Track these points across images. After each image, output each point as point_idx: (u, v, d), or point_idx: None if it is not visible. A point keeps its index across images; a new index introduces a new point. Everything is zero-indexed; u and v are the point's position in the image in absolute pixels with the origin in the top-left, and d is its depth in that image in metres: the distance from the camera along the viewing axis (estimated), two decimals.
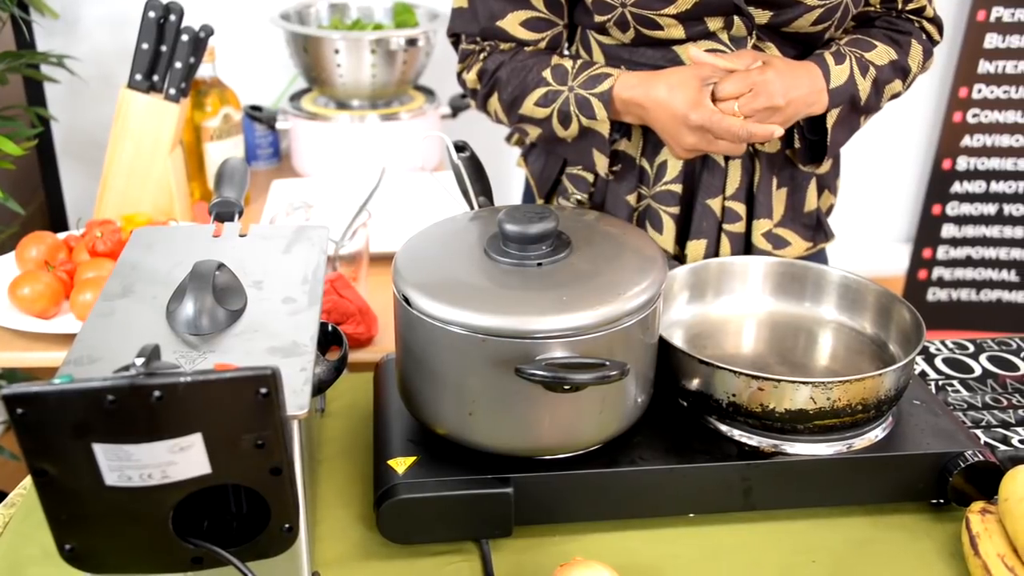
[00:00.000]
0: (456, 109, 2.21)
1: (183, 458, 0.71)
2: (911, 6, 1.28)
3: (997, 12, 2.60)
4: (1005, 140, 2.75)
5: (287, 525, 0.78)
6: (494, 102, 1.29)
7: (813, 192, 1.34)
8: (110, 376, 0.68)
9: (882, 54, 1.24)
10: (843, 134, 1.27)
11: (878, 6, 1.29)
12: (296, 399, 0.78)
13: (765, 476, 0.97)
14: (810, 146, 1.29)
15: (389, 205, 1.80)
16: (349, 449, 1.08)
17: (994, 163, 2.78)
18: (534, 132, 1.28)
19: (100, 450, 0.70)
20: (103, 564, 0.77)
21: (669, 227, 1.30)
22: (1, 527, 0.97)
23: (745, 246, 1.32)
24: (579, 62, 1.24)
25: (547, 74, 1.23)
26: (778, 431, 0.97)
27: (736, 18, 1.18)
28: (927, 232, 2.86)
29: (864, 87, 1.23)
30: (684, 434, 1.00)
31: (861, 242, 2.95)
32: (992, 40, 2.64)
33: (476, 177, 1.12)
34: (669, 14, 1.16)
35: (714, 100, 1.14)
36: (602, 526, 0.97)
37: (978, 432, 1.14)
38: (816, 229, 1.37)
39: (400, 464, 0.94)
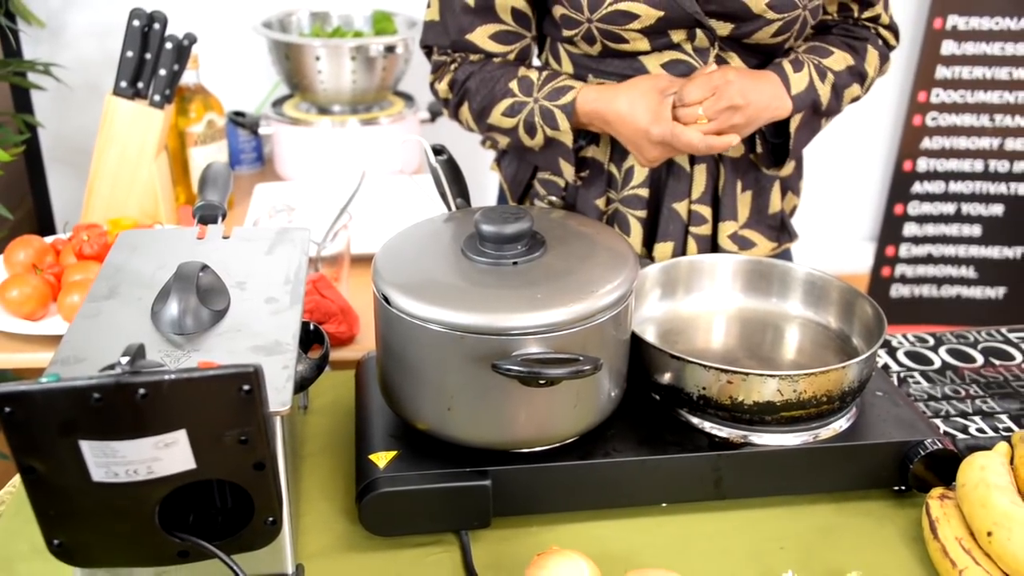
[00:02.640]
0: (434, 114, 2.21)
1: (168, 454, 0.71)
2: (867, 14, 1.29)
3: (953, 20, 2.63)
4: (962, 142, 2.78)
5: (271, 518, 0.78)
6: (464, 111, 1.29)
7: (777, 194, 1.35)
8: (96, 375, 0.68)
9: (839, 60, 1.25)
10: (805, 137, 1.28)
11: (835, 15, 1.30)
12: (278, 396, 0.77)
13: (735, 466, 0.98)
14: (772, 150, 1.30)
15: (369, 207, 1.80)
16: (332, 445, 1.08)
17: (952, 164, 2.80)
18: (503, 141, 1.29)
19: (87, 447, 0.69)
20: (91, 558, 0.77)
21: (636, 230, 1.31)
22: None
23: (711, 248, 1.33)
24: (545, 74, 1.24)
25: (513, 85, 1.23)
26: (747, 422, 0.98)
27: (699, 31, 1.19)
28: (890, 231, 2.89)
29: (824, 92, 1.24)
30: (656, 426, 1.00)
31: (828, 241, 2.97)
32: (948, 47, 2.67)
33: (453, 179, 1.12)
34: (634, 29, 1.17)
35: (676, 107, 1.15)
36: (578, 516, 0.97)
37: (938, 422, 1.15)
38: (780, 230, 1.38)
39: (381, 458, 0.94)
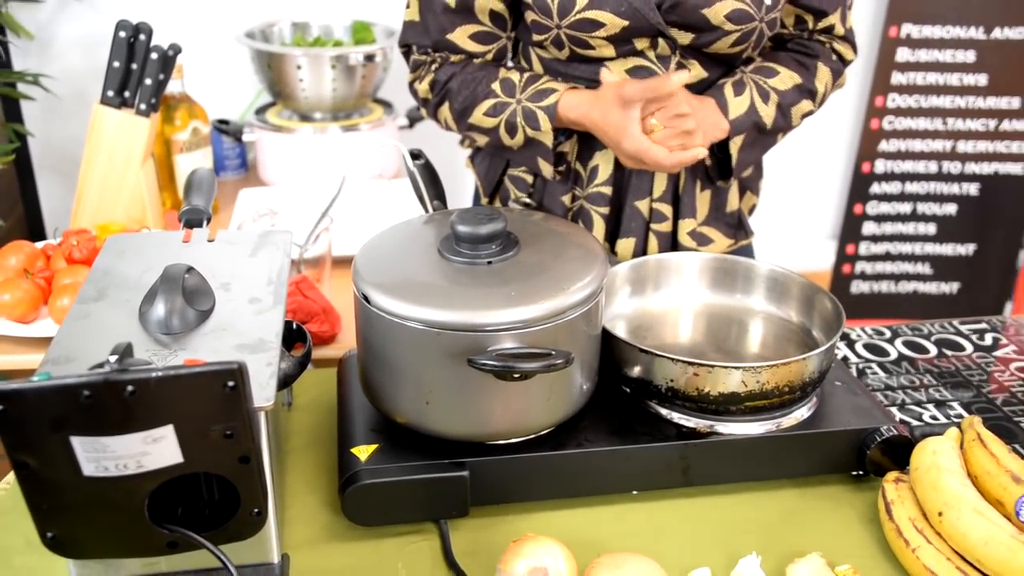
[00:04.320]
0: (413, 120, 2.20)
1: (156, 449, 0.71)
2: (821, 25, 1.29)
3: (907, 29, 2.66)
4: (917, 145, 2.80)
5: (256, 510, 0.78)
6: (445, 111, 1.29)
7: (735, 194, 1.36)
8: (85, 373, 0.67)
9: (786, 79, 1.26)
10: (752, 155, 1.29)
11: (792, 28, 1.31)
12: (262, 392, 0.77)
13: (702, 454, 0.98)
14: (720, 164, 1.31)
15: (350, 211, 1.79)
16: (315, 440, 1.08)
17: (908, 166, 2.83)
18: (482, 140, 1.29)
19: (77, 442, 0.69)
20: (83, 550, 0.77)
21: (599, 226, 1.31)
22: None
23: (671, 243, 1.34)
24: (526, 76, 1.24)
25: (496, 87, 1.24)
26: (713, 413, 0.99)
27: (661, 39, 1.19)
28: (850, 229, 2.91)
29: (767, 112, 1.25)
30: (627, 417, 1.01)
31: (792, 239, 2.99)
32: (903, 54, 2.69)
33: (430, 182, 1.13)
34: (600, 36, 1.17)
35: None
36: (552, 504, 0.98)
37: (894, 410, 1.17)
38: (737, 227, 1.39)
39: (363, 452, 0.94)
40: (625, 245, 1.32)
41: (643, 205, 1.30)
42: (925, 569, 0.87)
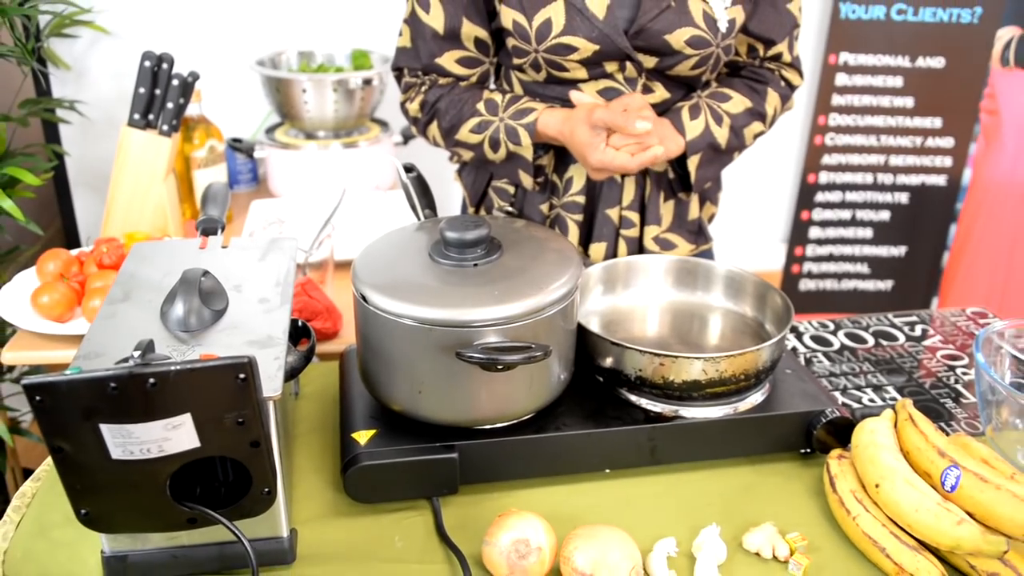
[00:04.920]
0: (406, 137, 2.19)
1: (176, 435, 0.71)
2: (770, 53, 1.29)
3: (844, 57, 2.68)
4: (855, 159, 2.82)
5: (266, 489, 0.77)
6: (433, 129, 1.28)
7: (696, 204, 1.36)
8: (112, 367, 0.68)
9: (738, 104, 1.26)
10: (710, 171, 1.29)
11: (744, 56, 1.31)
12: (271, 383, 0.77)
13: (667, 436, 0.98)
14: (682, 179, 1.31)
15: (350, 219, 1.79)
16: (320, 426, 1.08)
17: (847, 177, 2.84)
18: (467, 155, 1.28)
19: (106, 429, 0.69)
20: (113, 525, 0.77)
21: (574, 232, 1.31)
22: (30, 497, 0.95)
23: (638, 247, 1.34)
24: (508, 96, 1.24)
25: (480, 106, 1.23)
26: (677, 399, 0.98)
27: (628, 63, 1.19)
28: (798, 234, 2.92)
29: (721, 134, 1.25)
30: (600, 404, 1.01)
31: (748, 242, 2.99)
32: (841, 79, 2.71)
33: (422, 193, 1.12)
34: (574, 59, 1.17)
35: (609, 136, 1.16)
36: (533, 483, 0.97)
37: (837, 394, 1.17)
38: (698, 234, 1.39)
39: (362, 436, 0.94)
40: (597, 249, 1.31)
41: (613, 213, 1.30)
42: (864, 535, 0.87)
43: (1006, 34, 2.65)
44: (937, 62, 2.69)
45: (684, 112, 1.23)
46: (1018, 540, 0.83)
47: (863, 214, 2.89)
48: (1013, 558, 0.84)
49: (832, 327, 1.36)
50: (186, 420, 0.70)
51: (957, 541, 0.82)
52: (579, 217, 1.30)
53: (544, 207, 1.32)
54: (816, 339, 1.32)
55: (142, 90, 1.66)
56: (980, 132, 2.78)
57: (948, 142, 2.79)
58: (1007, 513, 0.82)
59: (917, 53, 2.68)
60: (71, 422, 0.68)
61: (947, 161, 2.82)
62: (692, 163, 1.25)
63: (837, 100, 2.74)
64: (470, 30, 1.22)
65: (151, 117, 1.69)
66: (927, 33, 2.65)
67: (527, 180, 1.26)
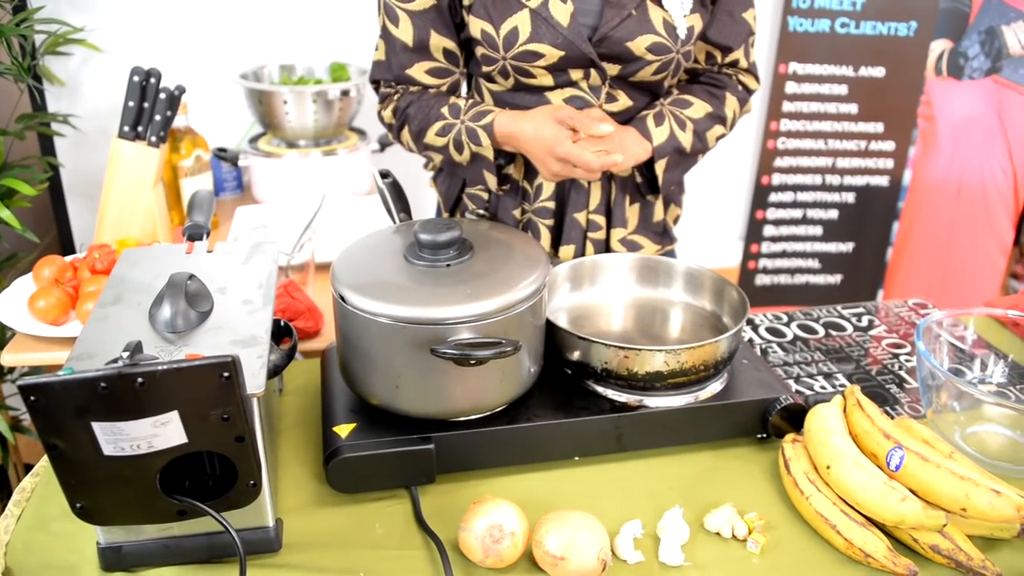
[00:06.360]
0: (383, 145, 2.19)
1: (164, 431, 0.70)
2: (728, 59, 1.30)
3: (793, 66, 2.71)
4: (804, 162, 2.84)
5: (252, 481, 0.77)
6: (405, 134, 1.28)
7: (660, 207, 1.36)
8: (102, 367, 0.67)
9: (699, 109, 1.27)
10: (676, 174, 1.29)
11: (703, 63, 1.31)
12: (254, 380, 0.76)
13: (632, 424, 0.98)
14: (649, 182, 1.31)
15: (330, 223, 1.77)
16: (303, 420, 1.07)
17: (798, 179, 2.87)
18: (437, 158, 1.28)
19: (98, 427, 0.68)
20: (107, 518, 0.76)
21: (545, 235, 1.31)
22: (29, 492, 0.94)
23: (605, 249, 1.33)
24: (470, 101, 1.24)
25: (444, 110, 1.23)
26: (641, 389, 0.99)
27: (592, 71, 1.19)
28: (754, 232, 2.94)
29: (685, 138, 1.25)
30: (568, 395, 1.01)
31: (708, 240, 3.01)
32: (791, 87, 2.73)
33: (397, 198, 1.12)
34: (540, 66, 1.17)
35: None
36: (506, 471, 0.97)
37: (791, 382, 1.18)
38: (663, 235, 1.39)
39: (343, 430, 0.93)
40: (566, 251, 1.31)
41: (581, 217, 1.30)
42: (816, 514, 0.88)
43: (938, 46, 2.70)
44: (878, 71, 2.72)
45: (649, 119, 1.24)
46: (956, 514, 0.84)
47: (813, 213, 2.92)
48: (952, 531, 0.85)
49: (785, 319, 1.37)
50: (173, 417, 0.69)
51: (901, 517, 0.83)
52: (550, 221, 1.30)
53: (516, 212, 1.32)
54: (771, 331, 1.33)
55: (131, 104, 1.65)
56: (918, 136, 2.81)
57: (889, 145, 2.83)
58: (946, 490, 0.84)
59: (860, 63, 2.71)
60: (65, 421, 0.68)
61: (889, 163, 2.86)
62: (660, 167, 1.25)
63: (787, 107, 2.76)
64: (438, 41, 1.21)
65: (140, 129, 1.67)
66: (868, 45, 2.68)
67: (492, 181, 1.26)
